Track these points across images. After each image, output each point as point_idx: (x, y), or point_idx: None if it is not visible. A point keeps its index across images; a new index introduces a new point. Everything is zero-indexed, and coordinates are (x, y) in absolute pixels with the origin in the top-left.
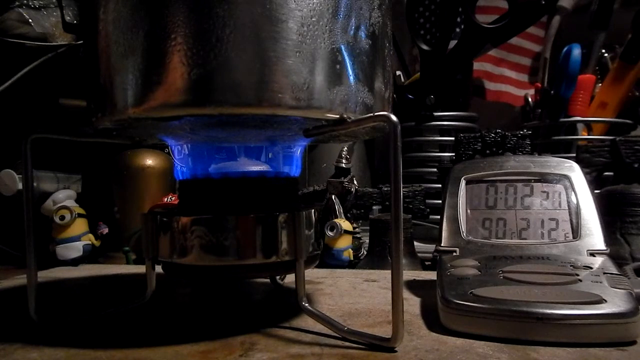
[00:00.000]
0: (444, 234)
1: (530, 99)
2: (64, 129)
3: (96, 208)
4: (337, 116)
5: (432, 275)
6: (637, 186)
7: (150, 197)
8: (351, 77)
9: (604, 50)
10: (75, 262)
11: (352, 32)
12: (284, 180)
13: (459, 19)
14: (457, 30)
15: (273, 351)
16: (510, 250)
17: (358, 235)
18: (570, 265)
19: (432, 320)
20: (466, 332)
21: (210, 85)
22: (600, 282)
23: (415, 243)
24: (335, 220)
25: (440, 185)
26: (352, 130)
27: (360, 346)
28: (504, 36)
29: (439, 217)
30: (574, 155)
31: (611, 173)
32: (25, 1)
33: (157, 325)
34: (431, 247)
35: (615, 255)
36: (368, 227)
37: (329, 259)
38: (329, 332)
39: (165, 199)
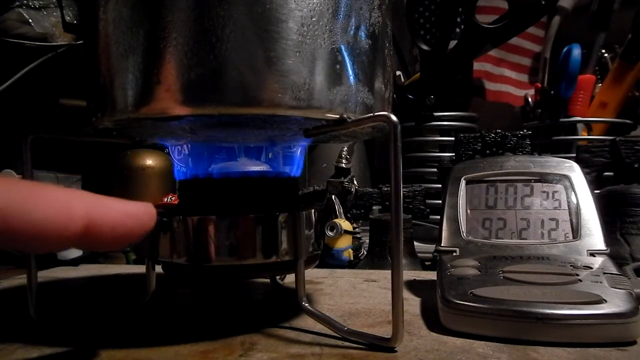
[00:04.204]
0: (444, 234)
1: (530, 99)
2: (64, 129)
3: None
4: (337, 116)
5: (432, 275)
6: (637, 186)
7: (150, 197)
8: (351, 77)
9: (604, 50)
10: (75, 262)
11: (352, 32)
12: (284, 180)
13: (459, 19)
14: (457, 30)
15: (273, 351)
16: (510, 250)
17: (358, 235)
18: (570, 266)
19: (432, 320)
20: (466, 332)
21: (210, 85)
22: (600, 282)
23: (415, 243)
24: (335, 220)
25: (440, 185)
26: (352, 130)
27: (360, 346)
28: (504, 36)
29: (439, 217)
30: (574, 155)
31: (611, 173)
32: (25, 1)
33: (157, 325)
34: (431, 247)
35: (615, 255)
36: (368, 227)
37: (329, 259)
38: (329, 332)
39: (165, 199)
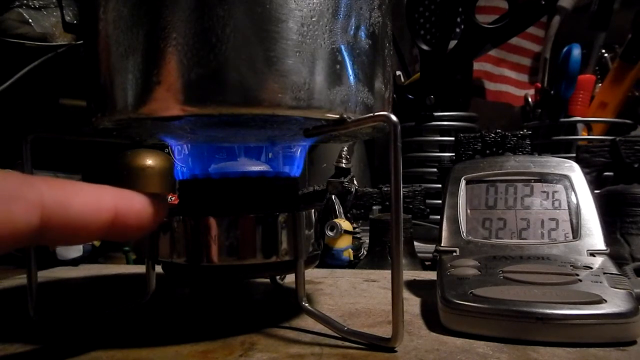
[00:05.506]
0: (444, 234)
1: (530, 99)
2: (64, 129)
3: None
4: (337, 116)
5: (432, 275)
6: (637, 186)
7: None
8: (351, 77)
9: (604, 50)
10: (75, 262)
11: (352, 32)
12: (284, 180)
13: (459, 19)
14: (457, 30)
15: (273, 351)
16: (510, 250)
17: (358, 235)
18: (570, 265)
19: (432, 320)
20: (466, 332)
21: (210, 85)
22: (600, 282)
23: (415, 243)
24: (335, 220)
25: (440, 185)
26: (352, 130)
27: (360, 346)
28: (504, 36)
29: (439, 217)
30: (574, 155)
31: (611, 173)
32: (25, 1)
33: (157, 325)
34: (431, 247)
35: (615, 255)
36: (368, 227)
37: (329, 259)
38: (329, 332)
39: None
